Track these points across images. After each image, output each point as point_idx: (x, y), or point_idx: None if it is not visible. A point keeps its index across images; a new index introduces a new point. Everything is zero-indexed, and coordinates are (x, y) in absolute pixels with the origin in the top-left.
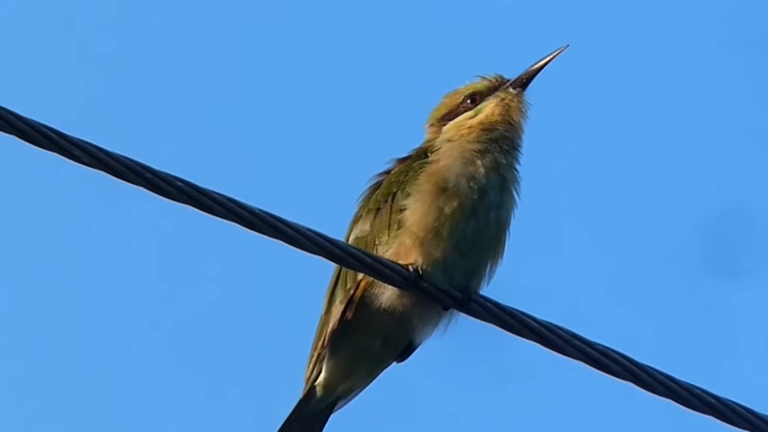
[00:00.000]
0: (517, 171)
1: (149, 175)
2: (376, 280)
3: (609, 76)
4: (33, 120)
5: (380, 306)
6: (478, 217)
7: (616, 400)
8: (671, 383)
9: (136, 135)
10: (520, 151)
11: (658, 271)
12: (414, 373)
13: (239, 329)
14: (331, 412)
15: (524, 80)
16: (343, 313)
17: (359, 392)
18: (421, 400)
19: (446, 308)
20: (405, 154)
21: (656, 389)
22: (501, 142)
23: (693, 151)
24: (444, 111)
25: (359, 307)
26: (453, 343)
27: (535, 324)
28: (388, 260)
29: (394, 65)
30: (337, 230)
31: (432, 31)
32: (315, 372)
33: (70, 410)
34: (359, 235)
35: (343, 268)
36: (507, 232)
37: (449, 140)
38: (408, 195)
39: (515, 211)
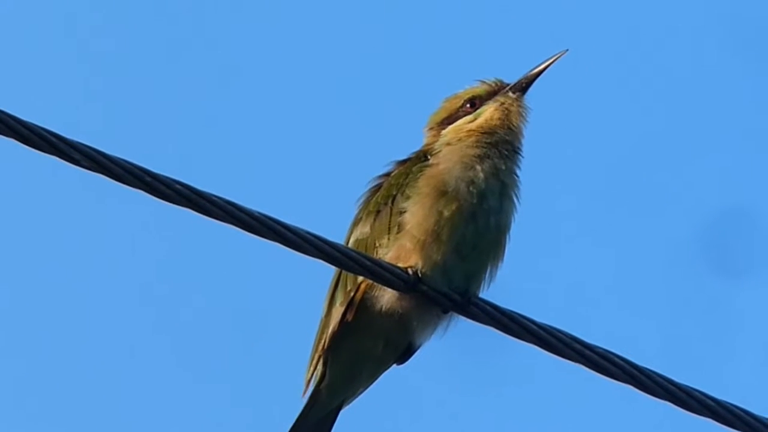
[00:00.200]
0: (517, 176)
1: (148, 178)
2: (375, 283)
3: (609, 78)
4: (32, 123)
5: (380, 308)
6: (477, 221)
7: (615, 402)
8: (670, 386)
9: (134, 138)
10: (520, 155)
11: (658, 273)
12: (413, 375)
13: (238, 332)
14: (337, 415)
15: (524, 84)
16: (344, 315)
17: (360, 394)
18: (421, 402)
19: (446, 311)
20: (404, 157)
21: (655, 392)
22: (501, 147)
23: (693, 151)
24: (443, 115)
25: (359, 310)
26: (452, 345)
27: (535, 327)
28: (388, 263)
29: (395, 68)
30: (336, 233)
31: (432, 34)
32: (315, 374)
33: (70, 411)
34: (359, 238)
35: (343, 272)
36: (507, 236)
37: (448, 144)
38: (408, 198)
39: (515, 215)
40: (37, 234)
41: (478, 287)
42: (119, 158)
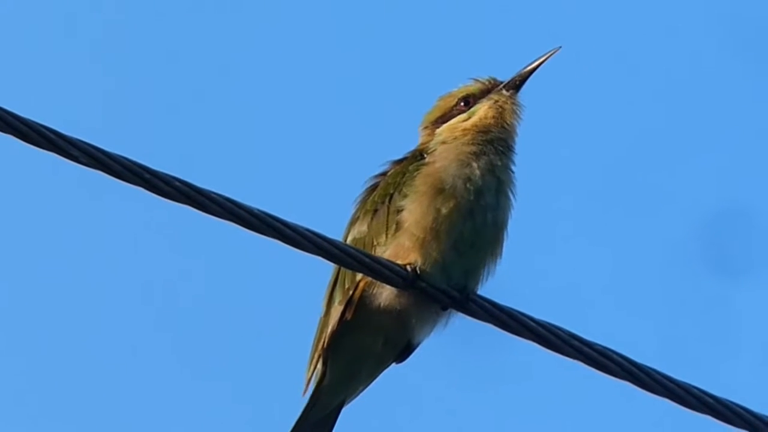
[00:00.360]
0: (512, 172)
1: (147, 175)
2: (374, 281)
3: (608, 76)
4: (30, 120)
5: (379, 306)
6: (475, 218)
7: (614, 399)
8: (669, 383)
9: (134, 135)
10: (514, 152)
11: (657, 271)
12: (412, 372)
13: (237, 329)
14: (338, 414)
15: (517, 82)
16: (343, 313)
17: (360, 393)
18: (419, 399)
19: (444, 308)
20: (400, 156)
21: (654, 389)
22: (495, 144)
23: (692, 150)
24: (438, 114)
25: (358, 308)
26: (451, 342)
27: (533, 324)
28: (387, 260)
29: (391, 67)
30: (335, 231)
31: (427, 33)
32: (316, 373)
33: (69, 410)
34: (357, 237)
35: (342, 270)
36: (505, 233)
37: (443, 142)
38: (405, 196)
39: (512, 211)
40: (36, 231)
41: (477, 284)
42: (118, 155)
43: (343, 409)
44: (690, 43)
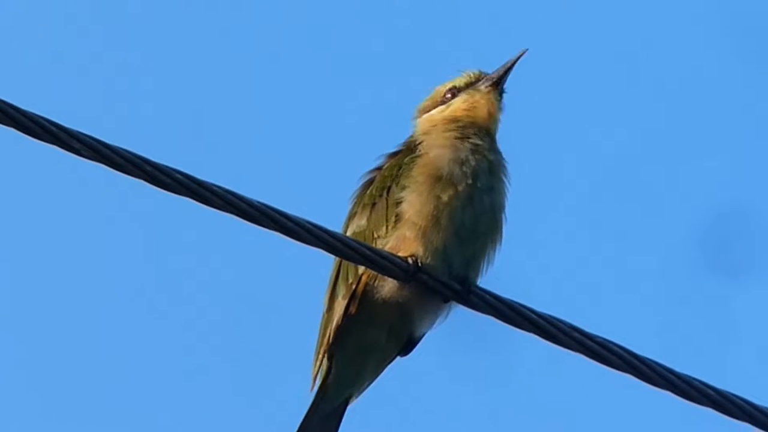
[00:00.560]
0: (499, 154)
1: (148, 167)
2: (376, 274)
3: (609, 76)
4: (32, 112)
5: (382, 299)
6: (473, 202)
7: (615, 392)
8: (670, 375)
9: (135, 127)
10: (495, 140)
11: (659, 269)
12: (412, 364)
13: (238, 321)
14: (345, 409)
15: (494, 79)
16: (347, 308)
17: (367, 387)
18: (419, 391)
19: (446, 300)
20: (394, 150)
21: (655, 381)
22: (473, 129)
23: (694, 150)
24: (428, 104)
25: (362, 302)
26: (452, 334)
27: (535, 316)
28: (388, 252)
29: (393, 59)
30: (334, 226)
31: (431, 25)
32: (322, 369)
33: (72, 408)
34: (356, 231)
35: (343, 265)
36: (503, 216)
37: (426, 133)
38: (404, 188)
39: (507, 195)
40: (37, 224)
41: (477, 274)
42: (119, 147)
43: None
44: (690, 44)
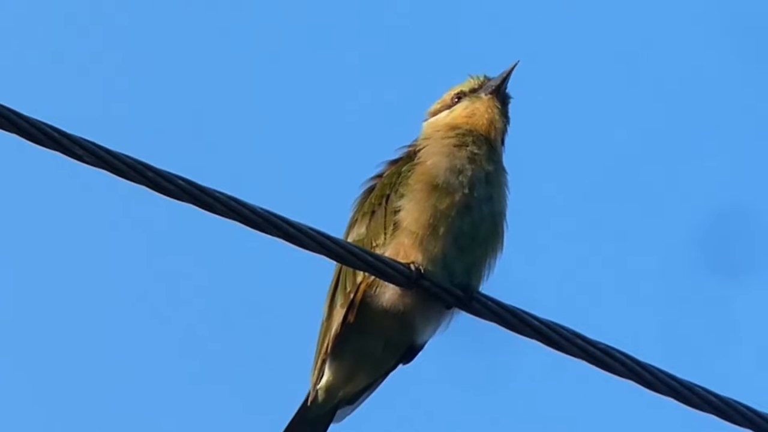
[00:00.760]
0: (499, 163)
1: (151, 174)
2: (375, 282)
3: (609, 76)
4: (35, 118)
5: (382, 307)
6: (471, 211)
7: (617, 398)
8: (673, 382)
9: (138, 133)
10: (496, 148)
11: (659, 270)
12: (414, 370)
13: (239, 327)
14: (333, 415)
15: (493, 87)
16: (345, 316)
17: (367, 396)
18: (422, 397)
19: (448, 307)
20: (395, 157)
21: (658, 388)
22: (473, 137)
23: (694, 150)
24: (437, 108)
25: (361, 310)
26: (454, 341)
27: (537, 322)
28: (390, 259)
29: (397, 64)
30: (336, 233)
31: (441, 27)
32: (320, 377)
33: (70, 410)
34: (356, 239)
35: (342, 272)
36: (503, 224)
37: (427, 138)
38: (402, 196)
39: (507, 203)
40: (40, 230)
41: (479, 281)
42: (122, 154)
43: (346, 408)
44: (690, 44)
